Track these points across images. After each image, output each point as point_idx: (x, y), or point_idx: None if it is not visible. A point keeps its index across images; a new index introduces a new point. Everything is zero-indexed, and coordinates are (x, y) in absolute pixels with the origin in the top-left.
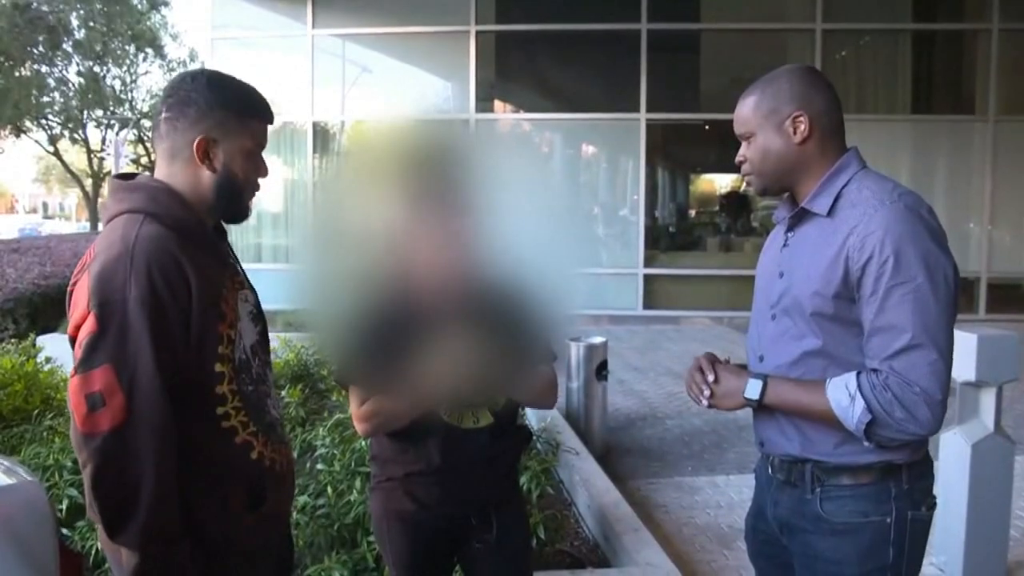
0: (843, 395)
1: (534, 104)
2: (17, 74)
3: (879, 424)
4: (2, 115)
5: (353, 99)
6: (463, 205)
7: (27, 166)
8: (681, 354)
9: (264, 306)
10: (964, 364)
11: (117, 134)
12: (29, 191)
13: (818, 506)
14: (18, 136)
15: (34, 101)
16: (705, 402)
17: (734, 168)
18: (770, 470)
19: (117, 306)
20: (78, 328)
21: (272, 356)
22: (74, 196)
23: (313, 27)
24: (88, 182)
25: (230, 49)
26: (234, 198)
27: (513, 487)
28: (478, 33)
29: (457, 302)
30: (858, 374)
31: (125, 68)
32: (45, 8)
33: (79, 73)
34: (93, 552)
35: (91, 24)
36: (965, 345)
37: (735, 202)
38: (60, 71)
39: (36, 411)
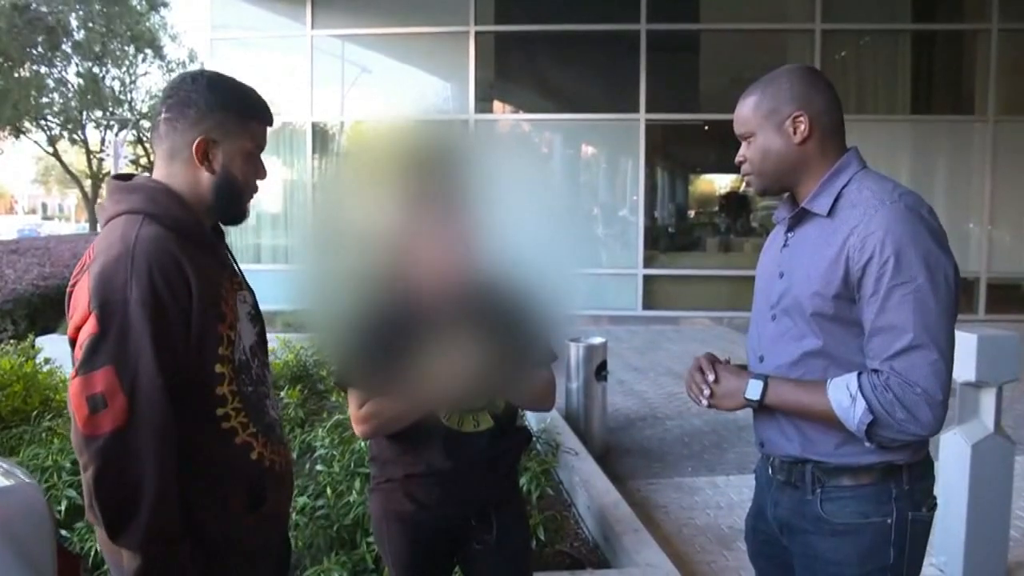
0: (844, 395)
1: (533, 104)
2: (16, 75)
3: (880, 425)
4: (1, 116)
5: (352, 100)
6: (462, 206)
7: (26, 167)
8: (681, 354)
9: (263, 307)
10: (964, 364)
11: (116, 135)
12: (28, 192)
13: (818, 507)
14: (17, 137)
15: (33, 102)
16: (705, 402)
17: (734, 168)
18: (770, 471)
19: (118, 307)
20: (78, 329)
21: (271, 357)
22: (73, 197)
23: (312, 27)
24: (87, 183)
25: (229, 50)
26: (233, 200)
27: (513, 488)
28: (477, 33)
29: (456, 303)
30: (859, 374)
31: (124, 69)
32: (44, 9)
33: (78, 74)
34: (92, 553)
35: (90, 25)
36: (965, 345)
37: (735, 202)
38: (59, 72)
39: (35, 412)
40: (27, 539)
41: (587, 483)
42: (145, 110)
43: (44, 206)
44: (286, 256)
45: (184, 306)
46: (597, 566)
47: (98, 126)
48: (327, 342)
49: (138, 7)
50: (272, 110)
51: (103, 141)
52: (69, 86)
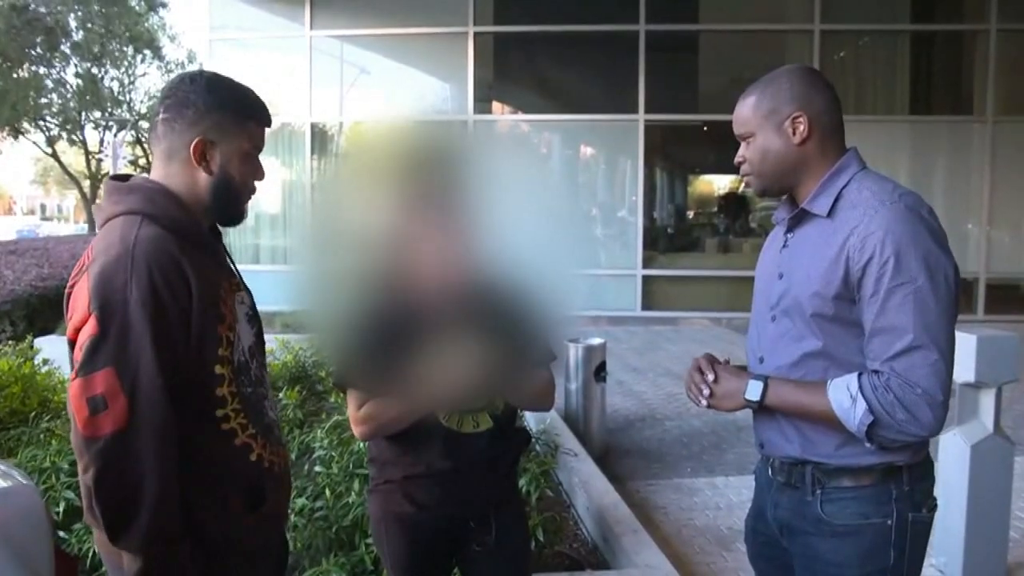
0: (844, 396)
1: (532, 105)
2: (15, 75)
3: (881, 425)
4: (0, 117)
5: (351, 100)
6: (461, 206)
7: (25, 168)
8: (680, 355)
9: (262, 307)
10: (963, 365)
11: (115, 135)
12: (27, 193)
13: (819, 508)
14: (16, 138)
15: (32, 103)
16: (704, 403)
17: (733, 169)
18: (770, 472)
19: (118, 308)
20: (78, 331)
21: (270, 358)
22: (72, 198)
23: (311, 28)
24: (86, 184)
25: (228, 50)
26: (230, 201)
27: (512, 489)
28: (476, 34)
29: (456, 303)
30: (859, 375)
31: (123, 69)
32: (43, 10)
33: (77, 74)
34: (90, 555)
35: (89, 25)
36: (964, 346)
37: (733, 203)
38: (58, 72)
39: (33, 413)
40: (24, 541)
41: (586, 484)
42: (144, 111)
43: (43, 207)
44: (285, 257)
45: (184, 307)
46: (596, 567)
47: (97, 127)
48: (326, 343)
49: (137, 8)
50: (271, 111)
51: (102, 142)
52: (68, 87)
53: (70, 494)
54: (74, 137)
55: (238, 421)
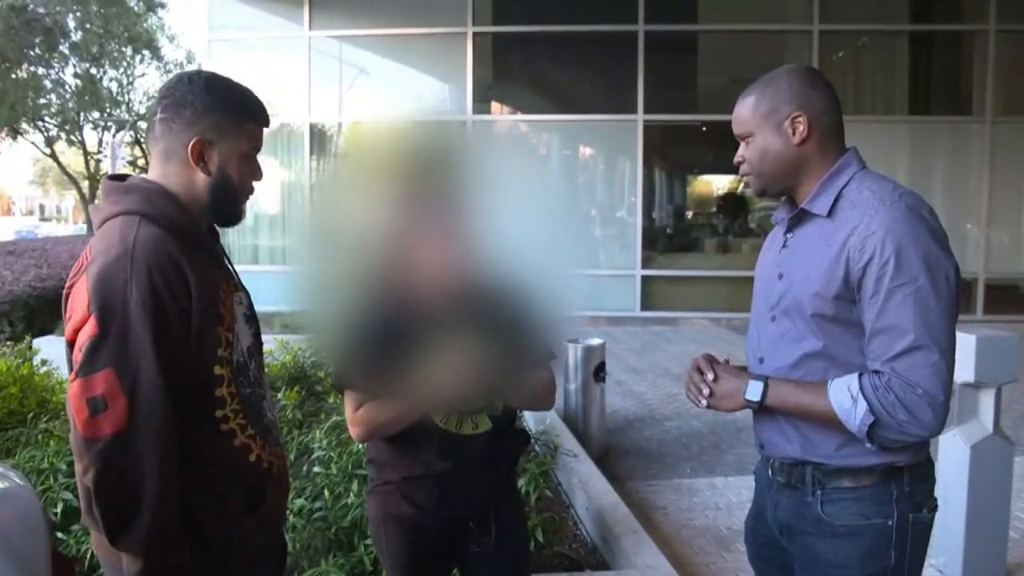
0: (845, 397)
1: (531, 105)
2: (14, 76)
3: (882, 426)
4: None
5: (350, 100)
6: (460, 207)
7: (24, 168)
8: (679, 355)
9: (261, 308)
10: (963, 365)
11: (114, 136)
12: (26, 193)
13: (819, 508)
14: (15, 138)
15: (31, 103)
16: (704, 402)
17: (732, 169)
18: (770, 472)
19: (118, 308)
20: (77, 331)
21: (269, 358)
22: (71, 198)
23: (310, 29)
24: (85, 184)
25: (227, 51)
26: (228, 201)
27: (511, 489)
28: (475, 34)
29: (454, 304)
30: (860, 375)
31: (122, 70)
32: (42, 10)
33: (76, 75)
34: (88, 556)
35: (88, 26)
36: (964, 346)
37: (733, 203)
38: (57, 73)
39: (31, 414)
40: (21, 543)
41: (586, 484)
42: (143, 111)
43: (42, 207)
44: (284, 257)
45: (184, 307)
46: (596, 568)
47: (95, 127)
48: (324, 344)
49: (136, 8)
50: (269, 111)
51: (101, 142)
52: (67, 87)
53: (68, 495)
54: (73, 138)
55: (237, 422)
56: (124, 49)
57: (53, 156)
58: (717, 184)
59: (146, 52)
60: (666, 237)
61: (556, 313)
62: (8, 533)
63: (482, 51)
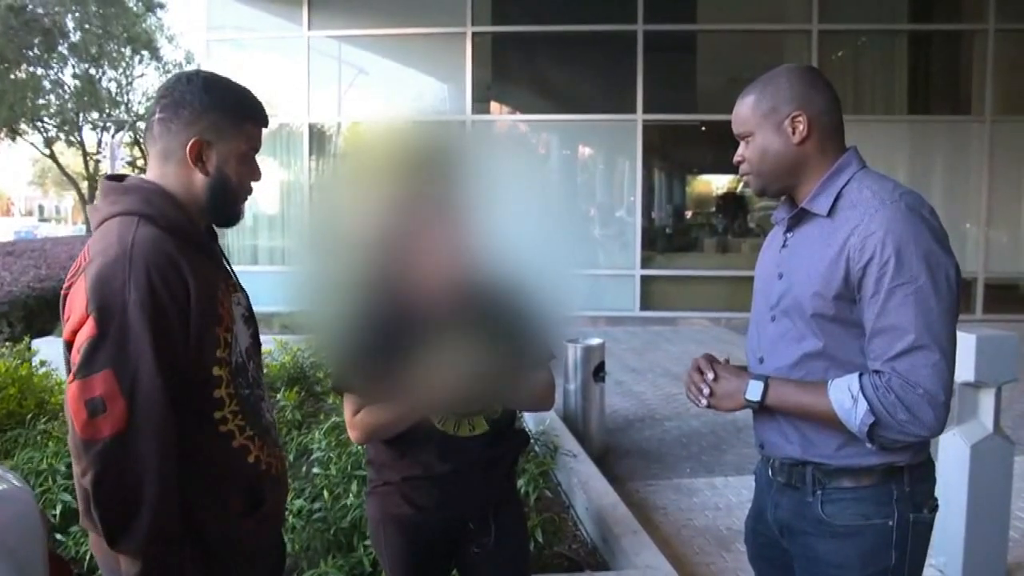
0: (845, 397)
1: (530, 105)
2: (12, 77)
3: (882, 426)
4: None
5: (349, 100)
6: (459, 207)
7: (23, 169)
8: (679, 355)
9: (260, 308)
10: (963, 365)
11: (113, 136)
12: (25, 194)
13: (819, 509)
14: (14, 139)
15: (30, 104)
16: (704, 402)
17: (731, 169)
18: (770, 472)
19: (117, 309)
20: (75, 332)
21: (268, 359)
22: (70, 199)
23: (309, 29)
24: (84, 185)
25: (226, 51)
26: (227, 201)
27: (511, 490)
28: (474, 34)
29: (454, 305)
30: (860, 375)
31: (121, 70)
32: (41, 11)
33: (75, 76)
34: (87, 557)
35: (87, 27)
36: (964, 346)
37: (732, 203)
38: (56, 74)
39: (30, 415)
40: (18, 546)
41: (585, 485)
42: (142, 112)
43: (41, 208)
44: (283, 258)
45: (183, 308)
46: (596, 568)
47: (95, 128)
48: (324, 345)
49: (134, 9)
50: (268, 111)
51: (100, 143)
52: (65, 88)
53: (67, 496)
54: (72, 138)
55: (236, 423)
56: (123, 49)
57: (52, 157)
58: (716, 184)
59: (145, 52)
60: (665, 237)
61: (555, 313)
62: (5, 535)
63: (481, 51)
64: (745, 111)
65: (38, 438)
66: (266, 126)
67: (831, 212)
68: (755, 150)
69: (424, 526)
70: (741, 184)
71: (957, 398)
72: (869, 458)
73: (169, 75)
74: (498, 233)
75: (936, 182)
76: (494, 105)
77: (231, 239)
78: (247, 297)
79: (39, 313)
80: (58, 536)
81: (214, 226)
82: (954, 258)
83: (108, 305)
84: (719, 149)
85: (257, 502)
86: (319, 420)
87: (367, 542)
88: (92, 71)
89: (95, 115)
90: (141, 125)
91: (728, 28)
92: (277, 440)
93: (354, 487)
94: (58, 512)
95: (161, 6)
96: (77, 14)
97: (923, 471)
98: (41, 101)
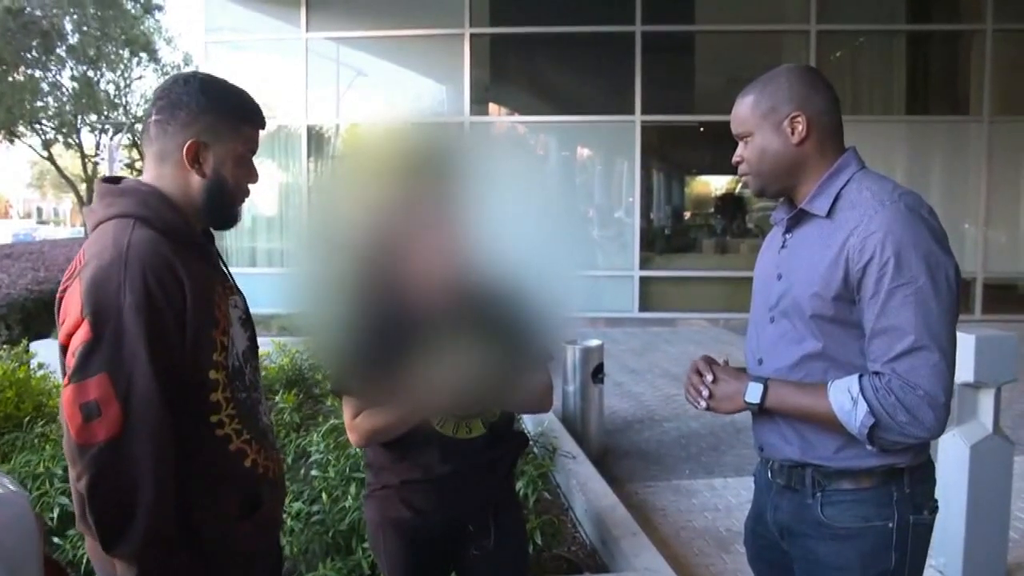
0: (845, 398)
1: (529, 106)
2: (10, 79)
3: (882, 427)
4: None
5: (347, 102)
6: (458, 208)
7: (21, 171)
8: (678, 356)
9: (258, 311)
10: (962, 365)
11: (111, 139)
12: (23, 196)
13: (819, 511)
14: (12, 141)
15: (28, 106)
16: (703, 404)
17: (730, 170)
18: (770, 474)
19: (111, 312)
20: (70, 336)
21: (267, 361)
22: (68, 201)
23: (307, 30)
24: (83, 187)
25: (224, 53)
26: (224, 203)
27: (510, 492)
28: (472, 36)
29: (453, 307)
30: (860, 377)
31: (119, 73)
32: (38, 13)
33: (73, 78)
34: (84, 561)
35: (85, 29)
36: (963, 346)
37: (731, 204)
38: (54, 76)
39: (27, 418)
40: (13, 550)
41: (584, 486)
42: (140, 114)
43: (39, 210)
44: (281, 260)
45: (179, 311)
46: (595, 570)
47: (93, 130)
48: (323, 347)
49: (132, 11)
50: (267, 113)
51: (98, 145)
52: (64, 90)
53: (64, 500)
54: (70, 140)
55: (232, 427)
56: (121, 52)
57: (50, 159)
58: (715, 184)
59: (143, 55)
60: (664, 238)
61: (554, 315)
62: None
63: (479, 52)
64: (744, 111)
65: (35, 441)
66: (263, 128)
67: (830, 213)
68: (754, 150)
69: (423, 529)
70: (740, 185)
71: (956, 398)
72: (869, 460)
73: (167, 77)
74: (496, 235)
75: (935, 182)
76: (492, 106)
77: (229, 241)
78: (244, 300)
79: (37, 315)
80: (55, 540)
81: (211, 228)
82: (954, 258)
83: (103, 308)
84: (718, 150)
85: (254, 505)
86: (318, 422)
87: (366, 545)
88: (90, 73)
89: (93, 117)
90: (139, 127)
91: (726, 29)
92: (274, 443)
93: (353, 489)
94: (55, 515)
95: (159, 8)
96: (75, 16)
97: (923, 473)
98: (39, 103)
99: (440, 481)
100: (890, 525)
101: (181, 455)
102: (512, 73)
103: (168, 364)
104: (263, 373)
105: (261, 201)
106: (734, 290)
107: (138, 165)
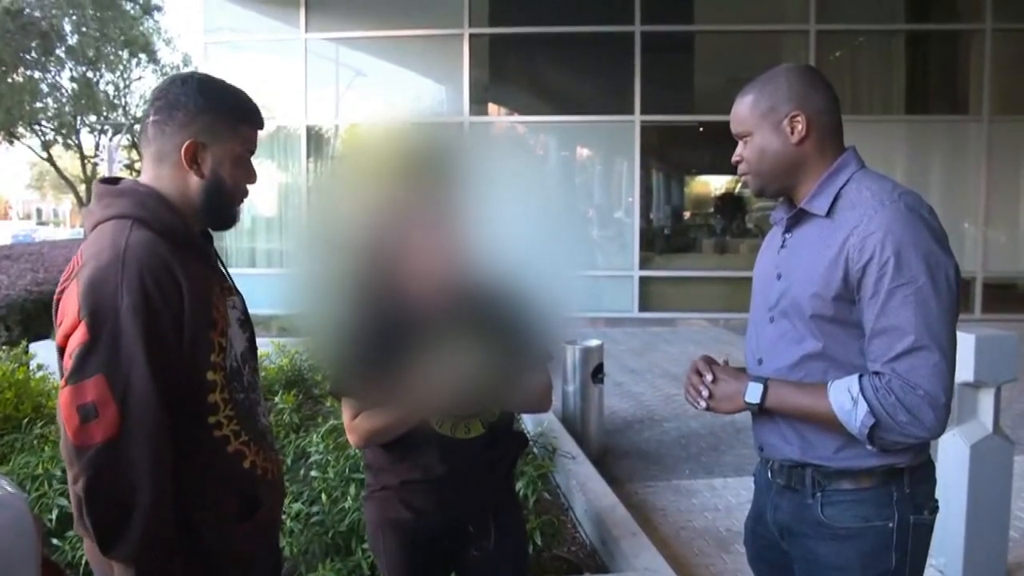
0: (845, 398)
1: (528, 106)
2: (10, 80)
3: (882, 427)
4: None
5: (347, 102)
6: (457, 208)
7: (21, 172)
8: (677, 356)
9: (258, 311)
10: (962, 365)
11: (111, 140)
12: (23, 197)
13: (819, 511)
14: (11, 142)
15: (27, 107)
16: (703, 404)
17: (729, 169)
18: (770, 474)
19: (109, 314)
20: (67, 337)
21: (266, 361)
22: (68, 202)
23: (306, 31)
24: (82, 188)
25: (223, 53)
26: (222, 204)
27: (510, 492)
28: (472, 36)
29: (452, 308)
30: (860, 377)
31: (118, 73)
32: (38, 14)
33: (72, 79)
34: (83, 563)
35: (84, 30)
36: (963, 345)
37: (730, 203)
38: (53, 77)
39: (26, 419)
40: (10, 552)
41: (584, 487)
42: (139, 115)
43: (39, 211)
44: (280, 260)
45: (176, 312)
46: (595, 571)
47: (92, 131)
48: (322, 348)
49: (132, 12)
50: (266, 113)
51: (97, 146)
52: (63, 91)
53: (63, 501)
54: (69, 141)
55: (231, 428)
56: (120, 52)
57: (50, 160)
58: (714, 184)
59: (142, 55)
60: (663, 238)
61: (554, 315)
62: None
63: (478, 52)
64: (743, 110)
65: (34, 442)
66: (261, 128)
67: (830, 212)
68: (753, 150)
69: (423, 530)
70: (739, 184)
71: (956, 398)
72: (869, 460)
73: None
74: (496, 235)
75: (934, 182)
76: (492, 106)
77: (228, 241)
78: (243, 300)
79: (36, 316)
80: (54, 541)
81: (210, 229)
82: (954, 258)
83: (100, 310)
84: (717, 150)
85: (253, 507)
86: (317, 423)
87: (365, 546)
88: (89, 74)
89: (93, 118)
90: (139, 128)
91: (726, 29)
92: (273, 444)
93: (352, 490)
94: (54, 517)
95: (158, 9)
96: (74, 17)
97: (923, 473)
98: (39, 104)
99: (440, 482)
100: (890, 525)
101: (179, 457)
102: (511, 73)
103: (166, 365)
104: (262, 374)
105: (260, 202)
106: (734, 290)
107: (137, 166)
